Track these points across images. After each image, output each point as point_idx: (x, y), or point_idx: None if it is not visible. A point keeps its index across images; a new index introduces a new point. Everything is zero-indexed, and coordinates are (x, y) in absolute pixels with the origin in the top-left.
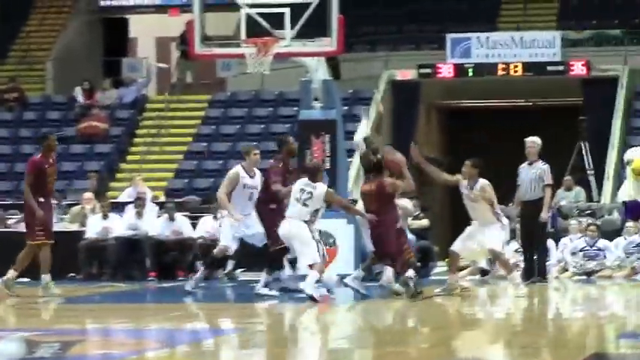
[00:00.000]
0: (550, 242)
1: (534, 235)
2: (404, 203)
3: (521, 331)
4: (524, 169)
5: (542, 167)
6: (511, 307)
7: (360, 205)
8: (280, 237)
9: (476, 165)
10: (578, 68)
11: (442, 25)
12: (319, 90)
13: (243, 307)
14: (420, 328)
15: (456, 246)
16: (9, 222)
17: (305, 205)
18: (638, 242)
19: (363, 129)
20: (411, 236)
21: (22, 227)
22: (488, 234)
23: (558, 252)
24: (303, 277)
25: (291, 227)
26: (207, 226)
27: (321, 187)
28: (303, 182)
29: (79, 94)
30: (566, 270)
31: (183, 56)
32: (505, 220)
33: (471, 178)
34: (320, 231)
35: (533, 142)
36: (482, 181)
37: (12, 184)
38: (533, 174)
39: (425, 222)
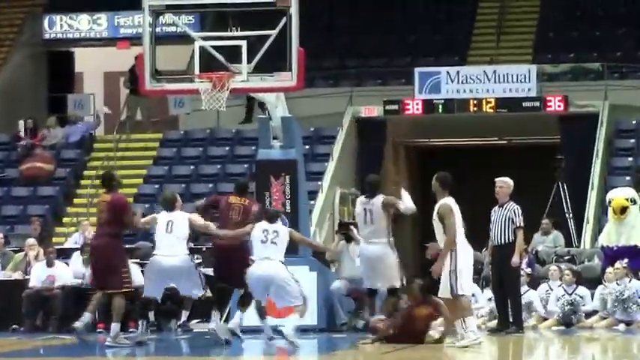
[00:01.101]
0: (530, 291)
1: (506, 281)
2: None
3: None
4: (495, 211)
5: (512, 208)
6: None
7: None
8: (253, 279)
9: (438, 178)
10: (555, 104)
11: (410, 59)
12: (278, 128)
13: None
14: None
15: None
16: None
17: (274, 243)
18: (618, 290)
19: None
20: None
21: None
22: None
23: (536, 299)
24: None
25: (269, 268)
26: None
27: (283, 227)
28: (262, 225)
29: (22, 129)
30: (545, 319)
31: (133, 92)
32: (467, 249)
33: (437, 195)
34: None
35: (504, 182)
36: (444, 200)
37: None
38: (503, 216)
39: None
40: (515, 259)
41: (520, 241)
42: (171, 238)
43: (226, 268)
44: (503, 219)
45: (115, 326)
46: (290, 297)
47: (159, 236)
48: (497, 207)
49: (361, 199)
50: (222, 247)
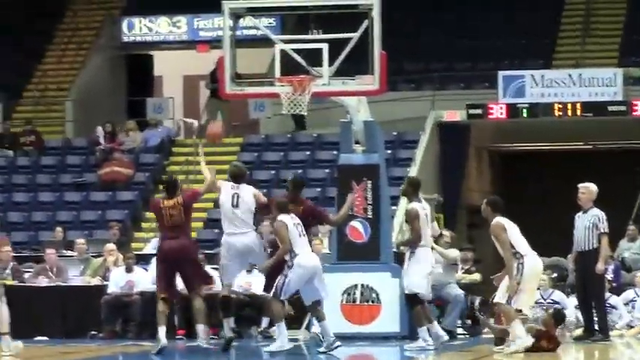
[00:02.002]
0: (614, 298)
1: (590, 288)
2: (448, 253)
3: None
4: (579, 217)
5: (597, 214)
6: None
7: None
8: (306, 269)
9: (488, 203)
10: None
11: (494, 63)
12: (360, 132)
13: None
14: None
15: (498, 297)
16: (25, 275)
17: (305, 235)
18: None
19: None
20: (458, 291)
21: (39, 281)
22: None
23: (622, 306)
24: None
25: (316, 260)
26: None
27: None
28: (289, 217)
29: (100, 135)
30: (632, 327)
31: (213, 96)
32: (535, 260)
33: (488, 219)
34: (362, 285)
35: (586, 188)
36: (495, 220)
37: (28, 234)
38: (587, 222)
39: (476, 276)
40: (599, 266)
41: (605, 247)
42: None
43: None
44: (588, 225)
45: (203, 327)
46: (326, 290)
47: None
48: (581, 213)
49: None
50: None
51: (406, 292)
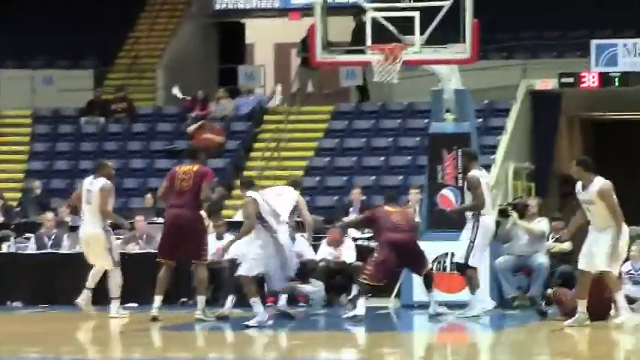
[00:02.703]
0: None
1: None
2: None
3: None
4: None
5: None
6: None
7: None
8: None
9: (579, 163)
10: None
11: (586, 31)
12: (452, 101)
13: (368, 336)
14: None
15: (581, 264)
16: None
17: None
18: None
19: None
20: (542, 260)
21: (129, 248)
22: (597, 250)
23: None
24: None
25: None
26: (330, 247)
27: None
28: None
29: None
30: None
31: (304, 64)
32: (625, 228)
33: (582, 179)
34: (452, 254)
35: None
36: (598, 181)
37: (119, 201)
38: None
39: (567, 245)
40: None
41: None
42: None
43: None
44: None
45: (203, 298)
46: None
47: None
48: None
49: None
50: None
51: (461, 261)
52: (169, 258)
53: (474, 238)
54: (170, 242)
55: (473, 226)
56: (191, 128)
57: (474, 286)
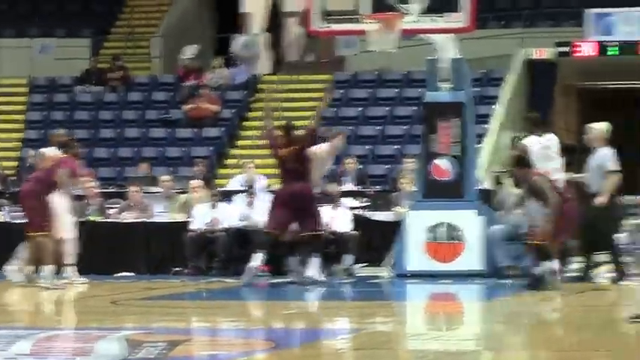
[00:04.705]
0: None
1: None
2: None
3: None
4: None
5: (604, 154)
6: None
7: None
8: None
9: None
10: None
11: (583, 0)
12: (448, 70)
13: (361, 305)
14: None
15: None
16: (110, 211)
17: None
18: None
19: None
20: None
21: (124, 217)
22: None
23: None
24: None
25: None
26: (325, 217)
27: None
28: None
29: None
30: None
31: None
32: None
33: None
34: (447, 223)
35: (589, 128)
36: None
37: (114, 170)
38: (595, 163)
39: None
40: (600, 199)
41: (610, 183)
42: None
43: None
44: (595, 165)
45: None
46: None
47: None
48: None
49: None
50: None
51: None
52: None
53: None
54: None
55: None
56: (187, 107)
57: None
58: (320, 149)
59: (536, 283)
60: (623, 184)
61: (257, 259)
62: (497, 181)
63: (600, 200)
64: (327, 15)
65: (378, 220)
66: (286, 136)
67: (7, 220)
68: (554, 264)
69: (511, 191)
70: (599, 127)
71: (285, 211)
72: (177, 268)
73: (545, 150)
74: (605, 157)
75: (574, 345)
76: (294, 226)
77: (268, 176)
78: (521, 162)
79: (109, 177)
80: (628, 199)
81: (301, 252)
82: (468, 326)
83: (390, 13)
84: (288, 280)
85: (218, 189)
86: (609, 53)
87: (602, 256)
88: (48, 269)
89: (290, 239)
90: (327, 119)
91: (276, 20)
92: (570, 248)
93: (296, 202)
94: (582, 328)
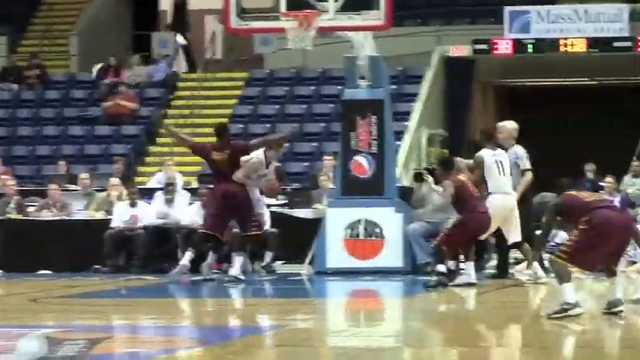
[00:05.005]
0: None
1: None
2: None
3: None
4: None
5: (516, 152)
6: None
7: None
8: None
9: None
10: None
11: None
12: (365, 67)
13: (282, 302)
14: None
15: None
16: (29, 209)
17: None
18: None
19: None
20: None
21: (43, 215)
22: None
23: None
24: None
25: None
26: None
27: None
28: None
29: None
30: (634, 262)
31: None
32: None
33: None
34: (366, 220)
35: (503, 127)
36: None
37: (32, 168)
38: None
39: None
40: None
41: (525, 182)
42: None
43: None
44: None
45: None
46: None
47: None
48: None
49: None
50: None
51: None
52: None
53: None
54: None
55: None
56: (106, 105)
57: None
58: (252, 159)
59: (436, 283)
60: (535, 181)
61: (186, 258)
62: (417, 179)
63: (515, 198)
64: (245, 13)
65: (297, 218)
66: (220, 139)
67: None
68: (449, 265)
69: (433, 188)
70: (511, 126)
71: (219, 212)
72: (96, 266)
73: (496, 164)
74: (518, 155)
75: (490, 340)
76: (230, 225)
77: (187, 174)
78: (446, 163)
79: (28, 175)
80: (549, 195)
81: (228, 250)
82: (388, 323)
83: (308, 10)
84: (209, 277)
85: (137, 187)
86: (526, 51)
87: (520, 253)
88: None
89: (226, 239)
90: (244, 117)
91: (182, 17)
92: (487, 246)
93: (229, 203)
94: (499, 324)
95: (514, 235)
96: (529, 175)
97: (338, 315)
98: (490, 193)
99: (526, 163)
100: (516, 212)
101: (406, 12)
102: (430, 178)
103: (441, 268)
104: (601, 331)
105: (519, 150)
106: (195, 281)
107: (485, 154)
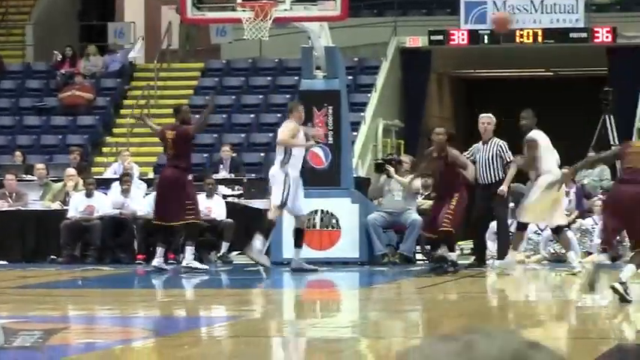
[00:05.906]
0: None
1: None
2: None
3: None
4: (479, 149)
5: (499, 144)
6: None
7: None
8: None
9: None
10: (603, 35)
11: None
12: (322, 58)
13: (238, 292)
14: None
15: None
16: None
17: None
18: None
19: None
20: (415, 217)
21: (5, 206)
22: None
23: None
24: None
25: None
26: (201, 205)
27: None
28: None
29: (57, 58)
30: (590, 253)
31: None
32: None
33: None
34: (322, 211)
35: (490, 118)
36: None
37: None
38: (490, 153)
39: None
40: (503, 188)
41: (512, 173)
42: None
43: None
44: (490, 156)
45: None
46: None
47: None
48: (480, 144)
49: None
50: None
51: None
52: None
53: None
54: None
55: None
56: (62, 95)
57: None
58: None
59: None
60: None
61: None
62: (378, 169)
63: (503, 190)
64: (202, 3)
65: (253, 208)
66: (175, 119)
67: None
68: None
69: (397, 179)
70: (494, 119)
71: (158, 198)
72: (52, 257)
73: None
74: (500, 147)
75: (451, 330)
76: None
77: (143, 165)
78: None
79: None
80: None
81: (175, 240)
82: (345, 313)
83: (264, 1)
84: (166, 267)
85: (93, 177)
86: (482, 42)
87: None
88: None
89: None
90: (200, 107)
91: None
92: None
93: (164, 188)
94: (463, 314)
95: (559, 217)
96: (514, 166)
97: (294, 306)
98: (541, 174)
99: (510, 155)
100: (564, 194)
101: (362, 2)
102: (391, 169)
103: (452, 255)
104: None
105: (502, 142)
106: (151, 271)
107: (539, 135)
